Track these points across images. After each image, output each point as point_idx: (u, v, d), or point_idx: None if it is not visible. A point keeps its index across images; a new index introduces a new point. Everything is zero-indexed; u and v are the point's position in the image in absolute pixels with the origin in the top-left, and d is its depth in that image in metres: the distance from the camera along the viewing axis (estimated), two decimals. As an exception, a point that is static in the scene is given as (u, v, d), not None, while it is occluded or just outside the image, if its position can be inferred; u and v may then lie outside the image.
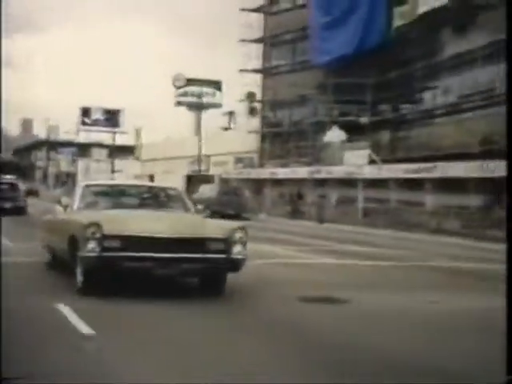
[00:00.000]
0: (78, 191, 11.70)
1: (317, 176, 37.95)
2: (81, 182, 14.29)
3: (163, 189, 13.07)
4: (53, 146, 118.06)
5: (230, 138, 56.38)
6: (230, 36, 50.95)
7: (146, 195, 12.50)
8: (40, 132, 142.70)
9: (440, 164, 30.15)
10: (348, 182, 35.73)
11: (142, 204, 11.74)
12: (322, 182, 38.28)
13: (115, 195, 12.17)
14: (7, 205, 29.54)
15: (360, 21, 38.79)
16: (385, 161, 34.65)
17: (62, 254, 11.20)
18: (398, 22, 36.83)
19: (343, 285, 11.08)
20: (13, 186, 33.16)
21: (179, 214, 11.25)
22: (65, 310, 8.04)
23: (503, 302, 5.21)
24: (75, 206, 11.25)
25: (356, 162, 34.43)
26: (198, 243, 9.71)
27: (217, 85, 64.24)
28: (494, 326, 6.75)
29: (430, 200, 31.43)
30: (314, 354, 6.32)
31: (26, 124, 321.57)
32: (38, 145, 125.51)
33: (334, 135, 36.85)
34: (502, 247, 6.17)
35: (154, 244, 9.47)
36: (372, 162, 34.51)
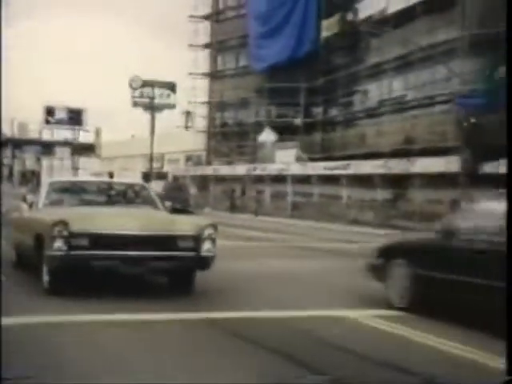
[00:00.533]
0: (44, 188, 11.43)
1: (253, 173, 41.88)
2: (46, 179, 14.50)
3: (131, 185, 12.90)
4: (18, 144, 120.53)
5: (182, 138, 60.05)
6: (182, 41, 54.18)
7: (113, 192, 12.24)
8: (7, 130, 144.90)
9: (353, 162, 34.19)
10: (279, 179, 39.69)
11: (110, 201, 11.49)
12: (258, 179, 42.20)
13: (82, 192, 11.89)
14: None
15: (293, 31, 42.68)
16: (312, 159, 38.64)
17: (27, 253, 10.86)
18: (324, 33, 40.79)
19: (228, 257, 12.68)
20: None
21: (147, 211, 11.01)
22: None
23: (335, 264, 8.56)
24: (41, 204, 10.94)
25: (285, 160, 38.41)
26: (166, 241, 9.55)
27: (171, 86, 67.72)
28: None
29: (347, 194, 35.46)
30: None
31: None
32: (3, 143, 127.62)
33: (267, 136, 40.74)
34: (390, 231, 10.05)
35: (123, 242, 9.30)
36: (299, 159, 38.50)
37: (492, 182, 24.70)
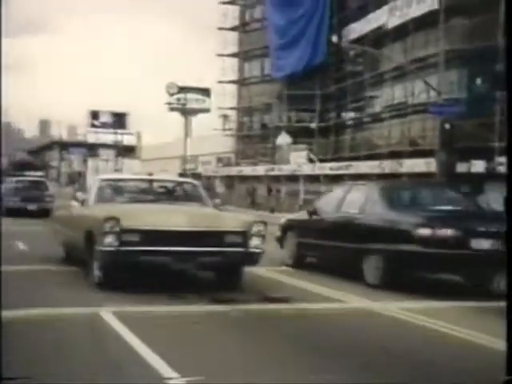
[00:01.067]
0: (94, 185, 11.58)
1: (271, 173, 46.35)
2: (97, 176, 14.77)
3: (181, 183, 13.14)
4: (65, 146, 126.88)
5: (214, 140, 64.81)
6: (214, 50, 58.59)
7: (163, 189, 12.44)
8: (56, 133, 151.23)
9: (354, 163, 38.42)
10: (293, 178, 44.04)
11: (160, 198, 11.69)
12: (275, 178, 46.64)
13: (132, 189, 12.12)
14: (32, 206, 27.22)
15: (308, 44, 46.97)
16: (322, 160, 42.93)
17: (77, 249, 11.13)
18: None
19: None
20: (39, 185, 30.64)
21: (196, 208, 11.18)
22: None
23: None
24: (91, 201, 11.12)
25: (298, 161, 42.79)
26: (214, 236, 9.73)
27: (206, 92, 72.43)
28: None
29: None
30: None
31: (43, 125, 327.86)
32: (52, 145, 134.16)
33: (283, 139, 45.16)
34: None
35: (172, 238, 9.47)
36: (311, 160, 42.84)
37: (466, 180, 28.84)
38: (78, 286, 9.90)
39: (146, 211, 10.23)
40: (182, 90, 72.32)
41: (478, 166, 30.10)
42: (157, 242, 9.34)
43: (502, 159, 29.35)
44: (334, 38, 42.38)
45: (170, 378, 5.29)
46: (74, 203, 11.73)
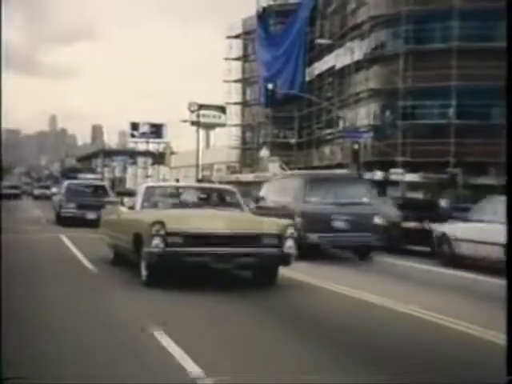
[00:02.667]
0: (141, 192, 12.76)
1: (256, 179, 59.16)
2: (143, 184, 15.88)
3: (220, 190, 14.51)
4: (109, 154, 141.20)
5: (225, 151, 77.97)
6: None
7: (204, 195, 13.84)
8: (107, 138, 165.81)
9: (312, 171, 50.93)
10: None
11: (201, 203, 13.12)
12: (259, 183, 59.41)
13: (175, 195, 13.52)
14: (91, 215, 23.53)
15: (288, 76, 59.59)
16: (292, 168, 55.50)
17: (125, 251, 12.19)
18: (307, 78, 57.62)
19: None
20: (98, 189, 28.34)
21: (234, 213, 12.39)
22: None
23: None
24: (138, 206, 12.30)
25: (273, 170, 55.57)
26: (252, 238, 10.82)
27: (222, 109, 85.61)
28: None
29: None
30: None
31: (96, 130, 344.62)
32: (98, 153, 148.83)
33: (263, 153, 57.93)
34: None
35: (213, 240, 10.58)
36: (283, 169, 55.57)
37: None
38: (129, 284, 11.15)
39: (188, 216, 11.47)
40: (202, 107, 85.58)
41: (378, 175, 42.31)
42: (199, 244, 10.47)
43: (395, 170, 41.77)
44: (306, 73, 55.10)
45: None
46: (122, 208, 13.03)
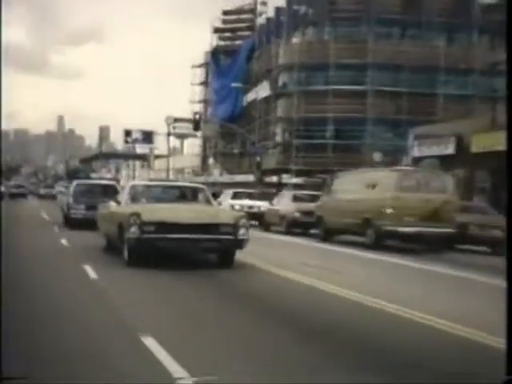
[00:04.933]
0: (126, 189, 16.08)
1: (204, 181, 78.40)
2: (128, 183, 20.05)
3: (192, 187, 17.45)
4: (107, 156, 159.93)
5: (191, 158, 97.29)
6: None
7: (178, 191, 16.84)
8: (116, 138, 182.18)
9: (239, 176, 69.86)
10: (215, 184, 75.78)
11: (175, 198, 15.90)
12: (210, 185, 78.52)
13: (154, 192, 16.44)
14: None
15: (231, 101, 78.68)
16: (230, 173, 74.55)
17: (113, 238, 15.06)
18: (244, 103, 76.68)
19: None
20: (108, 189, 26.01)
21: (201, 206, 15.23)
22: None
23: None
24: (123, 201, 15.22)
25: (216, 174, 74.80)
26: (212, 227, 13.42)
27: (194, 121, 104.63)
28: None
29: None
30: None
31: (103, 131, 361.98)
32: (98, 156, 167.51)
33: (210, 160, 76.98)
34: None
35: (180, 228, 13.09)
36: (221, 174, 74.76)
37: (268, 185, 59.49)
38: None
39: (162, 208, 14.12)
40: (176, 120, 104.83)
41: (274, 178, 61.19)
42: (168, 231, 13.05)
43: (286, 175, 60.73)
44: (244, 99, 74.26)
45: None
46: (112, 203, 16.01)
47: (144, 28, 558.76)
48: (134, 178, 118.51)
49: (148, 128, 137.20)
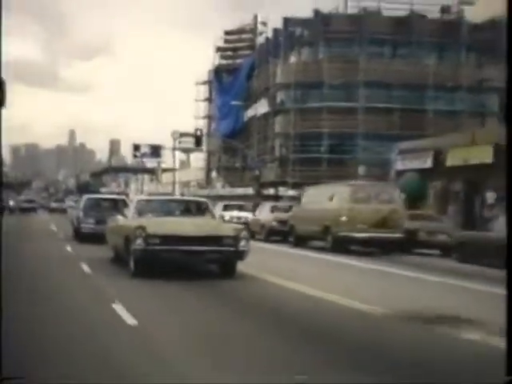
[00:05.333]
0: (133, 203, 17.10)
1: (209, 194, 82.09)
2: (135, 197, 21.18)
3: (195, 201, 18.83)
4: (117, 170, 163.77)
5: (198, 171, 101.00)
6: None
7: (182, 205, 17.74)
8: (127, 152, 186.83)
9: (240, 189, 73.42)
10: (219, 197, 79.46)
11: (179, 212, 16.68)
12: (213, 198, 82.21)
13: (159, 206, 17.27)
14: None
15: (233, 117, 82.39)
16: (232, 186, 78.16)
17: (120, 250, 15.85)
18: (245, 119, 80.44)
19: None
20: (118, 204, 26.01)
21: (205, 220, 16.00)
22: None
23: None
24: (130, 215, 16.08)
25: (218, 187, 78.44)
26: (215, 239, 14.12)
27: (197, 136, 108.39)
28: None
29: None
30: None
31: (114, 144, 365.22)
32: (108, 170, 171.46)
33: (213, 174, 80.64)
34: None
35: (184, 240, 13.81)
36: (223, 186, 78.40)
37: (266, 197, 63.00)
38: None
39: (166, 222, 14.91)
40: (182, 135, 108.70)
41: (272, 191, 64.74)
42: (172, 244, 13.80)
43: (282, 188, 64.26)
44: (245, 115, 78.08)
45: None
46: (119, 217, 17.06)
47: (153, 42, 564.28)
48: (142, 191, 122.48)
49: (156, 142, 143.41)
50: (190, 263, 14.84)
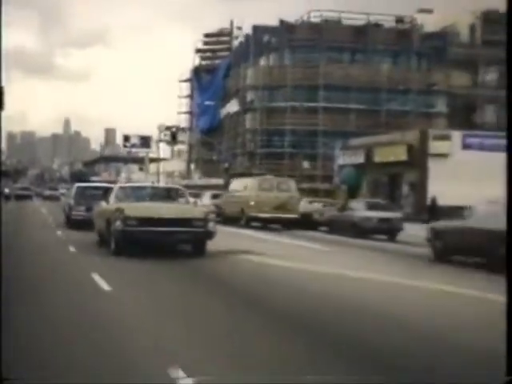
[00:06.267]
0: (114, 190, 18.72)
1: (187, 184, 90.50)
2: (116, 185, 22.31)
3: (170, 188, 21.34)
4: (108, 160, 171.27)
5: (181, 163, 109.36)
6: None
7: (158, 192, 19.63)
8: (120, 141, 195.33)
9: (214, 179, 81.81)
10: (195, 186, 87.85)
11: (155, 197, 18.18)
12: (190, 187, 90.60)
13: (138, 192, 18.84)
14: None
15: (210, 114, 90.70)
16: (209, 177, 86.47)
17: (103, 232, 17.42)
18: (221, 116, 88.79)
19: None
20: (108, 192, 22.77)
21: (178, 204, 17.77)
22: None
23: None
24: (111, 200, 17.79)
25: (196, 178, 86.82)
26: (186, 221, 15.72)
27: (183, 130, 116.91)
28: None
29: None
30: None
31: (109, 133, 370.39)
32: (100, 159, 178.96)
33: (192, 166, 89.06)
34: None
35: (159, 222, 15.49)
36: (199, 177, 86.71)
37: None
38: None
39: (143, 206, 16.65)
40: (167, 128, 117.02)
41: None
42: (148, 225, 15.39)
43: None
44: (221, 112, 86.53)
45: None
46: (103, 202, 18.74)
47: (148, 32, 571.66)
48: (130, 180, 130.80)
49: (146, 133, 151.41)
50: (164, 242, 16.37)
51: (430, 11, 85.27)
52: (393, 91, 73.90)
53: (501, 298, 7.06)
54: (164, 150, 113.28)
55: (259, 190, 32.46)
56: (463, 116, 74.21)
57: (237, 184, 36.89)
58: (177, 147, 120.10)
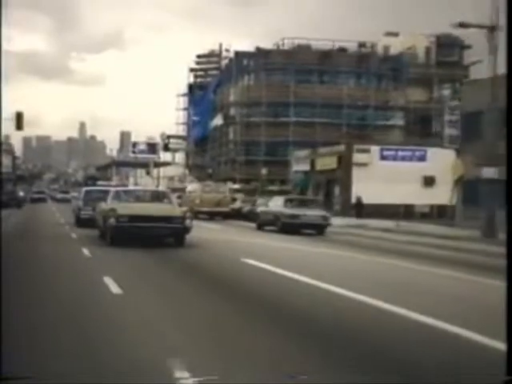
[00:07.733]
0: (111, 193, 22.17)
1: (180, 187, 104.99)
2: (112, 189, 25.84)
3: (158, 191, 27.43)
4: (118, 164, 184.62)
5: (178, 168, 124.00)
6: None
7: (148, 194, 23.79)
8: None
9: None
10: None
11: (145, 199, 22.01)
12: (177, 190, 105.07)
13: (130, 194, 22.86)
14: None
15: (201, 126, 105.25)
16: (200, 181, 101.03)
17: (101, 227, 20.84)
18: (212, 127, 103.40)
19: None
20: None
21: (163, 204, 20.96)
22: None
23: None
24: (108, 201, 20.97)
25: (191, 183, 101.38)
26: (167, 218, 18.79)
27: (183, 138, 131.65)
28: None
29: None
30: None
31: (125, 137, 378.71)
32: (111, 164, 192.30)
33: (186, 171, 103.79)
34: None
35: (145, 219, 18.54)
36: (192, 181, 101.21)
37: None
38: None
39: (133, 205, 19.95)
40: (169, 137, 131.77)
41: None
42: (137, 221, 18.52)
43: (230, 183, 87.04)
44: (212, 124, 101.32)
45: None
46: (103, 203, 21.92)
47: (160, 36, 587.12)
48: (136, 184, 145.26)
49: (153, 140, 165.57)
50: (148, 236, 19.28)
51: (395, 34, 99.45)
52: (353, 107, 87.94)
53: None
54: (166, 157, 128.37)
55: (202, 192, 47.01)
56: (419, 128, 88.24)
57: (190, 187, 51.53)
58: (177, 154, 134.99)
